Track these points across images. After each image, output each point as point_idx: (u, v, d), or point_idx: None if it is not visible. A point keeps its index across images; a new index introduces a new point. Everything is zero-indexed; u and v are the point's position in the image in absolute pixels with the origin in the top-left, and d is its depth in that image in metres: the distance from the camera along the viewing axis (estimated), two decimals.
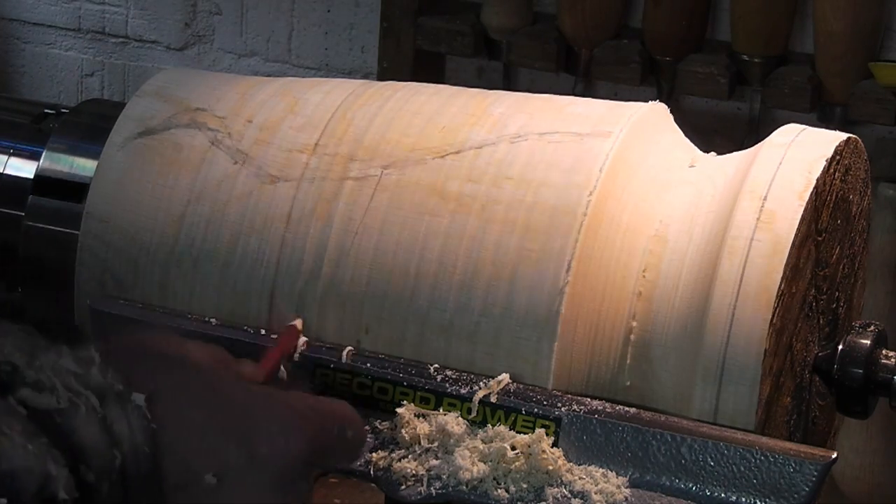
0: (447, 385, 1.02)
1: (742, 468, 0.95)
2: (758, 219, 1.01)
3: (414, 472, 0.99)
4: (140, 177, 1.12)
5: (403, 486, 0.99)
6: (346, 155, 1.08)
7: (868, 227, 1.20)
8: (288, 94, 1.14)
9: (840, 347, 1.07)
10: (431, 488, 0.98)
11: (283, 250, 1.07)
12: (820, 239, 1.06)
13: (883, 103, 2.05)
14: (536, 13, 2.25)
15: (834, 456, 0.95)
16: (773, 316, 0.99)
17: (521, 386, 1.01)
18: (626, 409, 1.00)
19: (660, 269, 1.04)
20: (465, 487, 0.98)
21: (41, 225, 1.18)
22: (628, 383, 1.03)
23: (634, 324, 1.03)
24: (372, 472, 1.00)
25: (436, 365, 1.03)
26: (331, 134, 1.09)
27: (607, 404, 1.00)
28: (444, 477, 0.98)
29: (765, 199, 1.02)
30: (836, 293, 1.13)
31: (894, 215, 2.04)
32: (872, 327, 1.09)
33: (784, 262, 0.99)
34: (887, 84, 2.05)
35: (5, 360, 0.79)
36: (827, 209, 1.07)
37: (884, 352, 1.07)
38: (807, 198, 1.01)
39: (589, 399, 1.01)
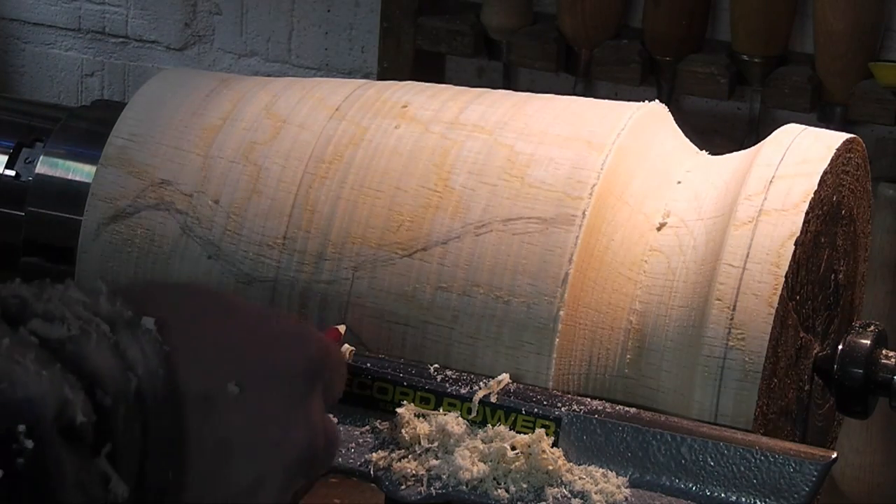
0: (447, 385, 1.02)
1: (742, 468, 0.95)
2: (758, 217, 1.01)
3: (414, 472, 0.99)
4: (119, 271, 1.12)
5: (403, 486, 0.99)
6: (316, 253, 1.07)
7: (870, 226, 1.20)
8: (251, 154, 1.12)
9: (840, 347, 1.07)
10: (431, 488, 0.98)
11: (286, 248, 1.08)
12: (822, 238, 1.06)
13: (883, 103, 2.05)
14: (536, 13, 2.25)
15: (834, 456, 0.95)
16: (773, 316, 0.99)
17: (521, 386, 1.01)
18: (626, 409, 1.00)
19: (660, 270, 1.04)
20: (465, 487, 0.98)
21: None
22: (627, 384, 1.03)
23: (634, 324, 1.03)
24: (372, 472, 1.00)
25: (436, 365, 1.03)
26: (297, 225, 1.08)
27: (607, 404, 1.00)
28: (444, 477, 0.98)
29: (766, 197, 1.02)
30: (837, 293, 1.13)
31: (894, 215, 2.04)
32: (872, 327, 1.09)
33: (787, 261, 0.99)
34: (887, 84, 2.05)
35: (13, 293, 0.79)
36: (829, 213, 1.07)
37: (884, 352, 1.07)
38: (808, 203, 1.01)
39: (589, 399, 1.01)
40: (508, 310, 1.03)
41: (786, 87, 2.10)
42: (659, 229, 1.06)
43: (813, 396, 1.10)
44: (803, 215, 1.01)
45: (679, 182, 1.08)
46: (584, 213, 1.03)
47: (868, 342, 1.07)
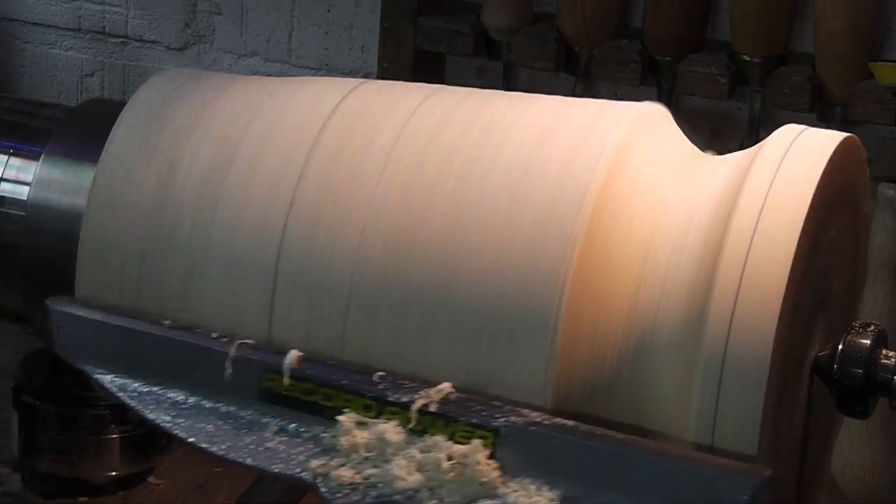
0: (389, 393, 1.02)
1: (677, 484, 0.94)
2: (758, 217, 1.01)
3: (351, 480, 0.99)
4: (118, 271, 1.13)
5: (340, 495, 0.99)
6: (312, 251, 1.10)
7: (869, 226, 1.20)
8: (245, 159, 1.14)
9: (840, 347, 1.07)
10: (367, 497, 0.98)
11: (284, 244, 1.09)
12: (823, 239, 1.06)
13: (883, 103, 2.05)
14: (536, 13, 2.25)
15: (769, 473, 0.94)
16: (774, 316, 0.99)
17: (463, 395, 1.01)
18: (565, 421, 0.99)
19: (659, 269, 1.04)
20: (399, 497, 0.97)
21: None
22: (627, 385, 1.03)
23: (634, 325, 1.03)
24: (310, 480, 1.00)
25: (381, 372, 1.03)
26: (294, 225, 1.11)
27: (546, 416, 1.00)
28: (380, 486, 0.98)
29: (766, 199, 1.02)
30: (836, 293, 1.13)
31: (894, 215, 2.04)
32: (872, 327, 1.09)
33: (789, 261, 1.00)
34: (887, 84, 2.05)
35: None
36: (828, 213, 1.07)
37: (884, 352, 1.08)
38: (808, 203, 1.01)
39: (528, 410, 1.00)
40: (508, 309, 1.03)
41: (786, 87, 2.09)
42: (659, 229, 1.06)
43: (811, 418, 1.10)
44: (803, 215, 1.01)
45: (679, 182, 1.09)
46: (584, 213, 1.03)
47: (868, 342, 1.07)
